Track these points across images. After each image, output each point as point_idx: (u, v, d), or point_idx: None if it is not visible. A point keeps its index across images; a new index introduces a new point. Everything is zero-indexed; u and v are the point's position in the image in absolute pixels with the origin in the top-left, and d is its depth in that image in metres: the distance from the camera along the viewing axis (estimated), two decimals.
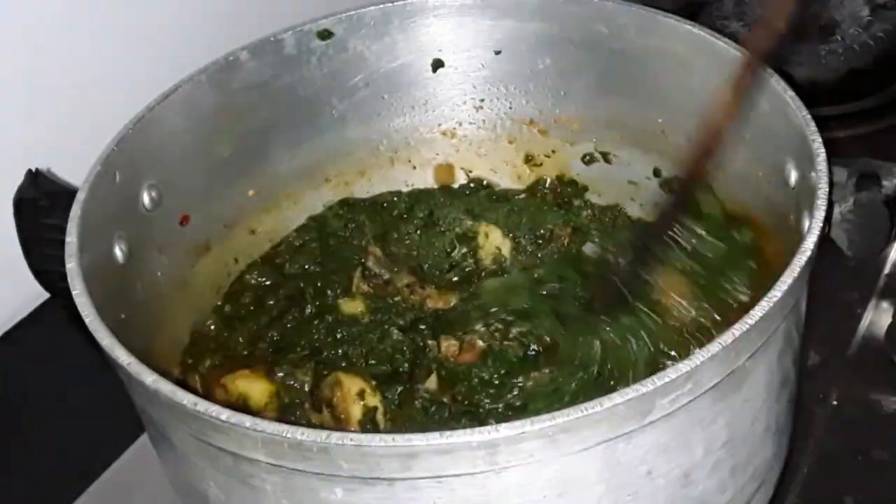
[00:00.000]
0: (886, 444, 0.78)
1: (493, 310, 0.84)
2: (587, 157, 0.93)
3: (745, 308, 0.56)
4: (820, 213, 0.62)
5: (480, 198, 0.95)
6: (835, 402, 0.82)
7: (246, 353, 0.82)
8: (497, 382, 0.78)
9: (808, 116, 0.68)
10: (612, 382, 0.75)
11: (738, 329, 0.54)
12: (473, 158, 0.96)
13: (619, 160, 0.91)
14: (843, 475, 0.77)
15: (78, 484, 0.80)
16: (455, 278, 0.91)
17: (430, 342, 0.82)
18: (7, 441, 0.84)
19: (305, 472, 0.53)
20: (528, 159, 0.95)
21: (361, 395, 0.75)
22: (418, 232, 0.93)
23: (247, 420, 0.51)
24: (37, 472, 0.82)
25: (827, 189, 0.63)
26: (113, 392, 0.63)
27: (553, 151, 0.94)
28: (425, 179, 0.95)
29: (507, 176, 0.96)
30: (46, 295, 0.90)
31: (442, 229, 0.93)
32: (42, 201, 0.73)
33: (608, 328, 0.78)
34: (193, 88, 0.79)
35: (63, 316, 0.67)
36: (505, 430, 0.50)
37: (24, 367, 0.91)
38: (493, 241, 0.93)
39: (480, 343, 0.81)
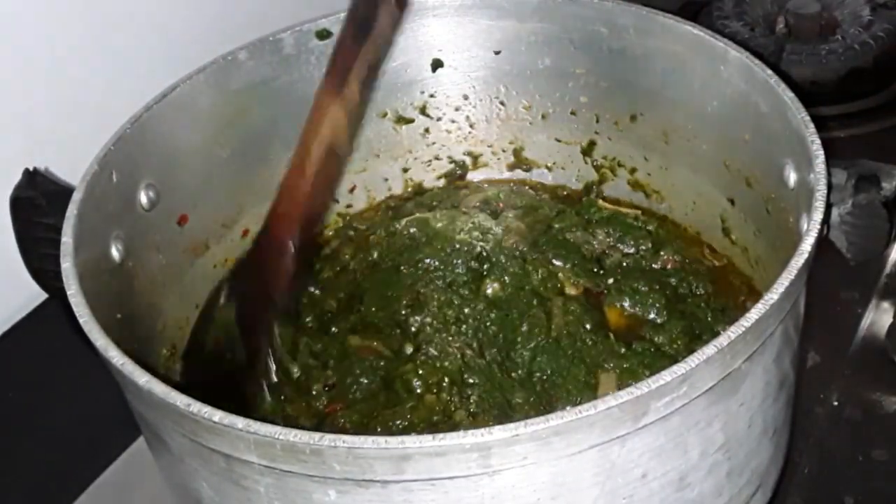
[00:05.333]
0: (887, 444, 0.78)
1: None
2: (586, 158, 0.92)
3: None
4: (817, 215, 0.61)
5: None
6: (835, 403, 0.81)
7: None
8: None
9: (808, 118, 0.67)
10: None
11: (733, 331, 0.54)
12: (473, 159, 0.96)
13: (620, 161, 0.91)
14: (844, 475, 0.76)
15: (77, 484, 0.80)
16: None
17: None
18: (6, 441, 0.84)
19: (298, 473, 0.53)
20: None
21: None
22: None
23: (239, 421, 0.51)
24: (36, 472, 0.82)
25: (825, 191, 0.63)
26: (112, 392, 0.62)
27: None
28: (425, 179, 0.96)
29: (507, 175, 0.96)
30: (45, 295, 0.90)
31: None
32: (39, 200, 0.72)
33: None
34: (192, 88, 0.79)
35: (62, 316, 0.67)
36: (498, 432, 0.50)
37: (23, 368, 0.91)
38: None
39: None
